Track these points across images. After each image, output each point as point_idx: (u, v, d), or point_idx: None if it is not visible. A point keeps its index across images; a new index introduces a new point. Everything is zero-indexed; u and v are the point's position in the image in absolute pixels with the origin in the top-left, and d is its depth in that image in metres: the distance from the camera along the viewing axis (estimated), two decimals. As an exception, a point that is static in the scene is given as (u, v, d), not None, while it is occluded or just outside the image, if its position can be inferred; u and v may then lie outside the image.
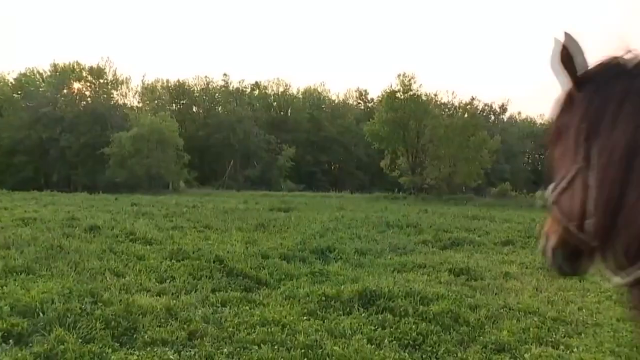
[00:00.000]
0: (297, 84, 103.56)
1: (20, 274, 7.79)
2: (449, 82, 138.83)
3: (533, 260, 10.81)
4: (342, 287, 7.49)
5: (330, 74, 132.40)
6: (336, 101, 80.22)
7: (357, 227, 16.21)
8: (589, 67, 1.54)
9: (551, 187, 1.63)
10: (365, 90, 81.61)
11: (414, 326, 6.04)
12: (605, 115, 1.42)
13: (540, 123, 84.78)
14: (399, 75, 52.16)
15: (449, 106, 61.19)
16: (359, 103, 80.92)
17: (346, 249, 11.36)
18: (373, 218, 19.24)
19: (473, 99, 62.95)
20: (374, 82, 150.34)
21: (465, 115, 52.47)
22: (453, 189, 51.52)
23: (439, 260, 10.29)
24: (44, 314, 5.74)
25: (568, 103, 1.60)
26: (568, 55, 1.54)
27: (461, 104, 59.72)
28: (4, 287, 6.79)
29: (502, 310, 6.85)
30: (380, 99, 56.62)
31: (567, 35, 1.52)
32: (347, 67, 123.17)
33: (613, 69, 1.50)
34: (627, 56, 1.49)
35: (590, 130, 1.46)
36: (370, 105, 77.64)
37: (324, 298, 6.96)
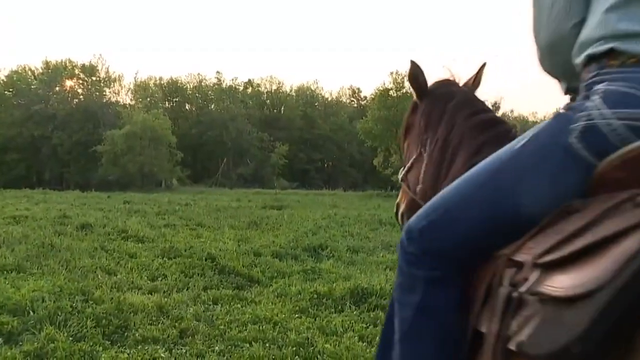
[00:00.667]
0: (290, 82, 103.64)
1: (11, 272, 7.72)
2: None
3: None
4: (334, 284, 7.48)
5: (323, 71, 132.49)
6: (329, 99, 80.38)
7: (350, 224, 16.20)
8: (428, 85, 2.25)
9: (402, 168, 2.32)
10: (359, 88, 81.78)
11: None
12: (434, 118, 2.11)
13: (533, 121, 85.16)
14: (391, 73, 52.33)
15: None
16: (352, 101, 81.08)
17: (339, 247, 11.35)
18: (366, 216, 19.25)
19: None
20: (367, 80, 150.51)
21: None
22: (446, 186, 51.62)
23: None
24: (34, 312, 5.70)
25: (414, 108, 2.31)
26: (413, 76, 2.23)
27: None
28: (-5, 286, 6.73)
29: (493, 307, 6.87)
30: (373, 97, 56.74)
31: (412, 62, 2.22)
32: (340, 65, 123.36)
33: (442, 89, 2.23)
34: (453, 80, 2.28)
35: (426, 127, 2.15)
36: (363, 103, 77.77)
37: (315, 296, 6.93)
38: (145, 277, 8.04)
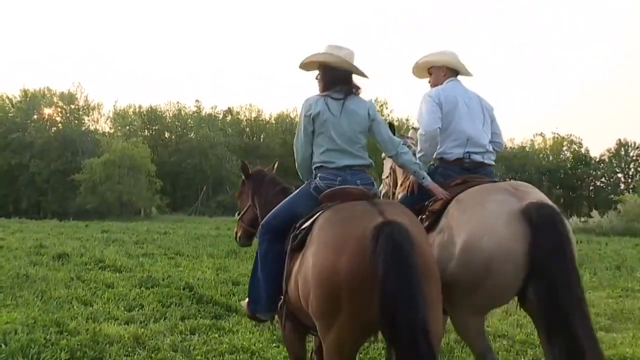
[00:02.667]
0: (270, 110, 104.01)
1: (-16, 304, 7.63)
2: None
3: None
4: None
5: (302, 99, 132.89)
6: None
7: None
8: (250, 171, 5.32)
9: (238, 213, 5.41)
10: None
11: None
12: (257, 188, 5.10)
13: (511, 147, 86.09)
14: (370, 101, 52.80)
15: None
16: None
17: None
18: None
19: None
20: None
21: (437, 140, 53.10)
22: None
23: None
24: (6, 345, 5.62)
25: (243, 183, 5.32)
26: (242, 169, 5.31)
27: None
28: (-33, 318, 6.62)
29: (471, 334, 6.87)
30: (352, 124, 57.19)
31: (242, 162, 5.49)
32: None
33: (258, 174, 5.26)
34: (263, 169, 5.44)
35: (253, 192, 5.12)
36: (342, 130, 77.85)
37: (293, 324, 6.91)
38: (122, 308, 7.97)
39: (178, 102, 74.21)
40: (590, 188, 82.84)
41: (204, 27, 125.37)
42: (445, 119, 4.57)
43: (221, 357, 5.75)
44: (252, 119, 77.46)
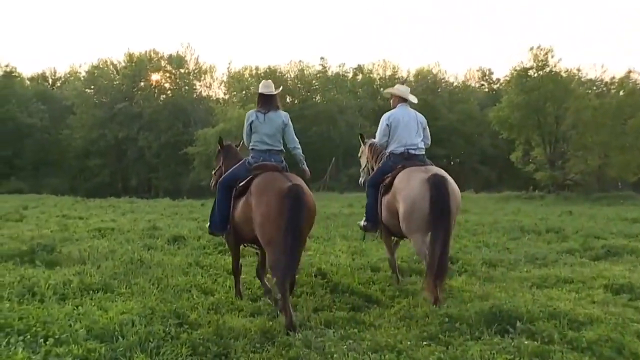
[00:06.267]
0: (407, 66, 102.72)
1: (97, 292, 8.02)
2: (596, 54, 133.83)
3: None
4: (469, 305, 7.31)
5: (446, 52, 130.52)
6: (455, 84, 78.97)
7: (484, 233, 15.93)
8: (224, 144, 9.65)
9: (213, 168, 9.80)
10: (490, 70, 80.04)
11: (560, 355, 5.78)
12: (225, 158, 9.26)
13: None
14: (531, 49, 50.70)
15: (597, 83, 58.68)
16: (482, 85, 79.54)
17: (472, 260, 11.13)
18: (503, 222, 18.84)
19: (630, 72, 59.80)
20: (500, 60, 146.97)
21: (621, 93, 50.19)
22: (605, 185, 49.64)
23: (591, 274, 9.81)
24: (123, 337, 5.87)
25: (219, 152, 9.62)
26: (220, 142, 9.78)
27: (614, 80, 57.11)
28: (80, 307, 6.98)
29: (680, 338, 6.39)
30: (508, 79, 55.33)
31: (220, 137, 10.24)
32: (466, 43, 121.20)
33: (227, 147, 9.46)
34: (232, 144, 9.62)
35: (224, 158, 9.30)
36: (496, 87, 76.15)
37: (446, 319, 6.78)
38: (247, 297, 8.19)
39: (300, 61, 75.20)
40: None
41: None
42: (393, 131, 9.07)
43: (362, 356, 5.71)
44: (387, 77, 77.03)
